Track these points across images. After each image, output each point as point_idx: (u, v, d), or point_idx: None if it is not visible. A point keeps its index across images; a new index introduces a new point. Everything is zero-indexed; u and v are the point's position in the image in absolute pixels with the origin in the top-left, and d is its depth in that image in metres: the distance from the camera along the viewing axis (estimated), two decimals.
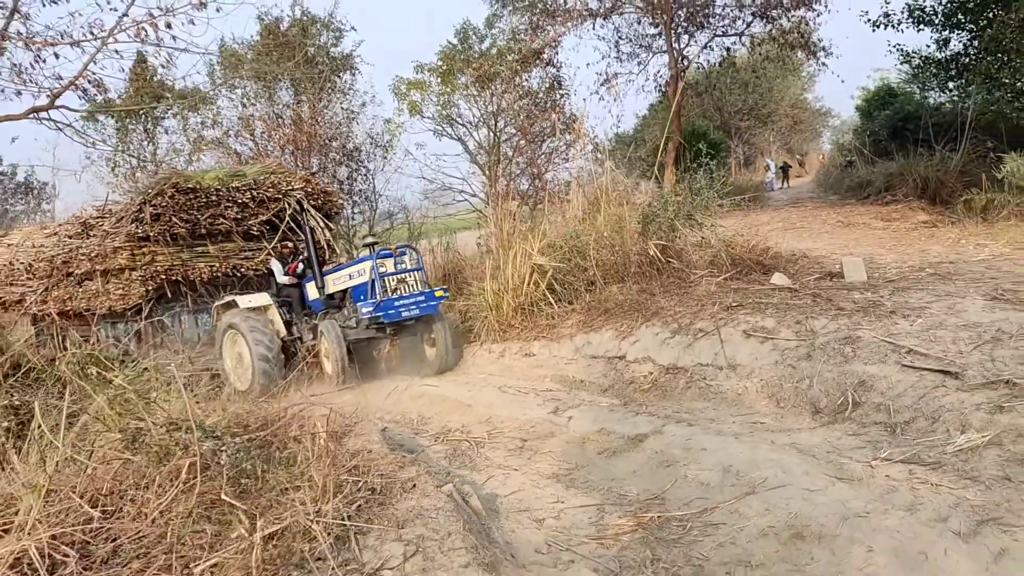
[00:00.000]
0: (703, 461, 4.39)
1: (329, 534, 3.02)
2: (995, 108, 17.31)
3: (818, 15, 18.35)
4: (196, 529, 3.16)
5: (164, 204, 9.68)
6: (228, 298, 9.35)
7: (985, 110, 17.73)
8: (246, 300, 9.21)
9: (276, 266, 9.75)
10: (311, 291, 9.46)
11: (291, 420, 4.56)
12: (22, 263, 11.31)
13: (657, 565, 3.21)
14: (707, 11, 19.17)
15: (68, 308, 10.64)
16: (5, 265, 11.69)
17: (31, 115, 8.36)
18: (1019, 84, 14.94)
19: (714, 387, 6.25)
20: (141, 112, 13.82)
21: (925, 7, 15.55)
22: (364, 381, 8.21)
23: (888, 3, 15.69)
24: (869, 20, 15.80)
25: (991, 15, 14.65)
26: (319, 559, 2.89)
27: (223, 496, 3.35)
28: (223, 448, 3.75)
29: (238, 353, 9.14)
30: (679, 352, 6.84)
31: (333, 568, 2.82)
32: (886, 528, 3.18)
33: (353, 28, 21.51)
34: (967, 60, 15.84)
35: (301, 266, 9.67)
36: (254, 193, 10.45)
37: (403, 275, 8.55)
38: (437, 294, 8.54)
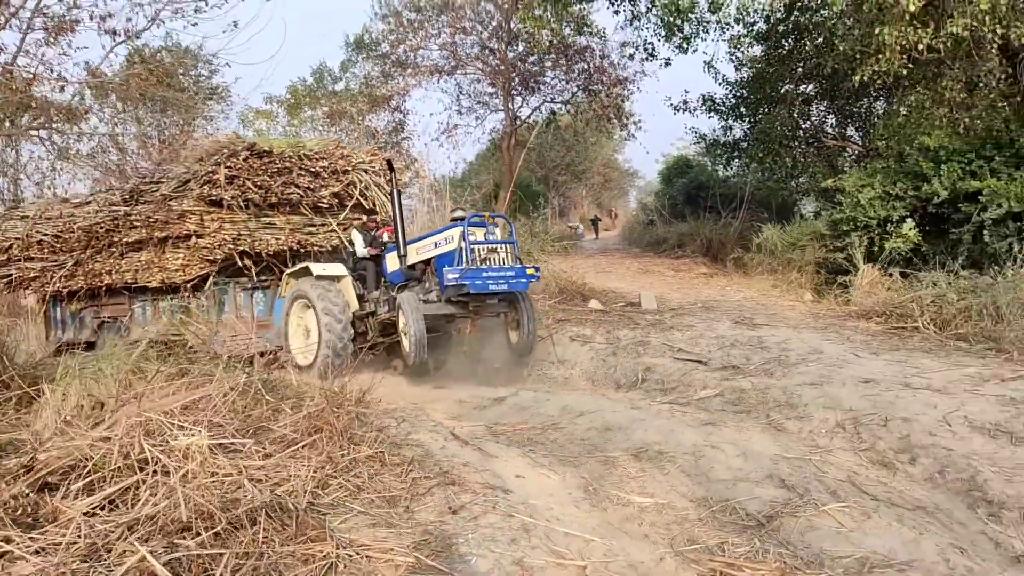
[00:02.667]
0: (547, 406, 7.01)
1: (348, 415, 5.35)
2: (768, 185, 21.68)
3: (631, 93, 22.11)
4: (258, 412, 5.37)
5: (239, 166, 9.36)
6: (300, 265, 9.28)
7: (760, 186, 22.07)
8: (320, 267, 9.08)
9: (357, 238, 9.59)
10: (391, 262, 9.18)
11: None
12: (45, 235, 10.88)
13: (531, 443, 5.78)
14: (539, 79, 22.44)
15: (103, 283, 10.31)
16: (19, 239, 11.17)
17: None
18: (781, 169, 19.21)
19: (549, 375, 8.96)
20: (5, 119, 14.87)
21: (716, 99, 19.58)
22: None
23: (687, 93, 19.58)
24: (672, 105, 19.61)
25: (764, 111, 18.82)
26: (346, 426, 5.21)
27: (267, 397, 5.56)
28: (252, 377, 5.94)
29: (305, 327, 9.09)
30: None
31: (356, 426, 5.17)
32: (655, 425, 5.93)
33: (228, 64, 22.80)
34: (745, 145, 19.98)
35: (386, 235, 9.58)
36: (327, 163, 10.27)
37: (494, 246, 8.24)
38: (528, 271, 8.20)
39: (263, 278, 10.09)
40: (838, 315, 10.29)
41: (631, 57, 19.86)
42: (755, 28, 17.32)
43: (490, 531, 3.67)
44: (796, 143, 19.13)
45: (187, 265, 9.38)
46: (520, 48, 21.99)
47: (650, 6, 16.06)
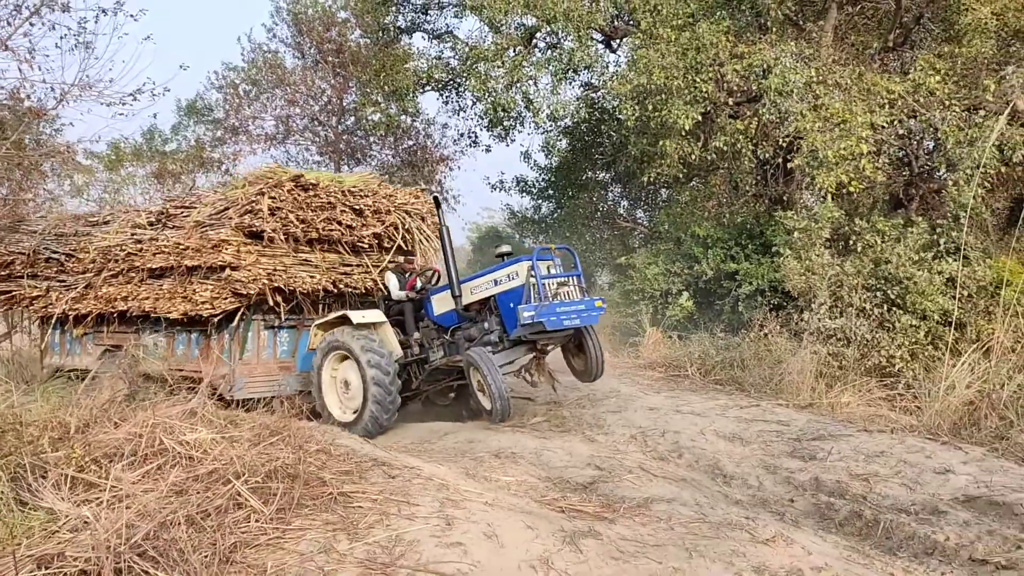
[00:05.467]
0: (415, 430, 9.14)
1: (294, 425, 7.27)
2: None
3: (452, 170, 24.82)
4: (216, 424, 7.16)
5: (283, 198, 9.04)
6: (334, 315, 9.15)
7: None
8: (359, 315, 8.86)
9: (392, 280, 9.57)
10: (438, 304, 9.12)
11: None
12: (56, 253, 10.62)
13: (415, 451, 7.90)
14: (366, 152, 24.70)
15: (116, 309, 9.94)
16: (23, 254, 10.89)
17: None
18: (582, 244, 22.42)
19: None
20: None
21: (528, 181, 22.64)
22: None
23: (503, 174, 22.57)
24: (490, 184, 22.47)
25: (569, 195, 22.05)
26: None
27: (211, 418, 7.36)
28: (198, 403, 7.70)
29: (343, 380, 8.95)
30: None
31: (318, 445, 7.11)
32: (504, 438, 8.22)
33: (71, 124, 22.90)
34: (552, 222, 23.13)
35: (419, 281, 9.59)
36: (370, 201, 9.93)
37: (563, 279, 8.14)
38: (597, 303, 8.12)
39: (290, 317, 9.75)
40: (631, 366, 13.14)
41: (456, 142, 22.48)
42: (562, 124, 20.58)
43: (422, 486, 5.82)
44: (594, 223, 22.48)
45: (216, 298, 8.93)
46: (350, 121, 24.19)
47: (475, 100, 18.86)
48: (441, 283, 9.63)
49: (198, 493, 5.03)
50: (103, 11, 10.47)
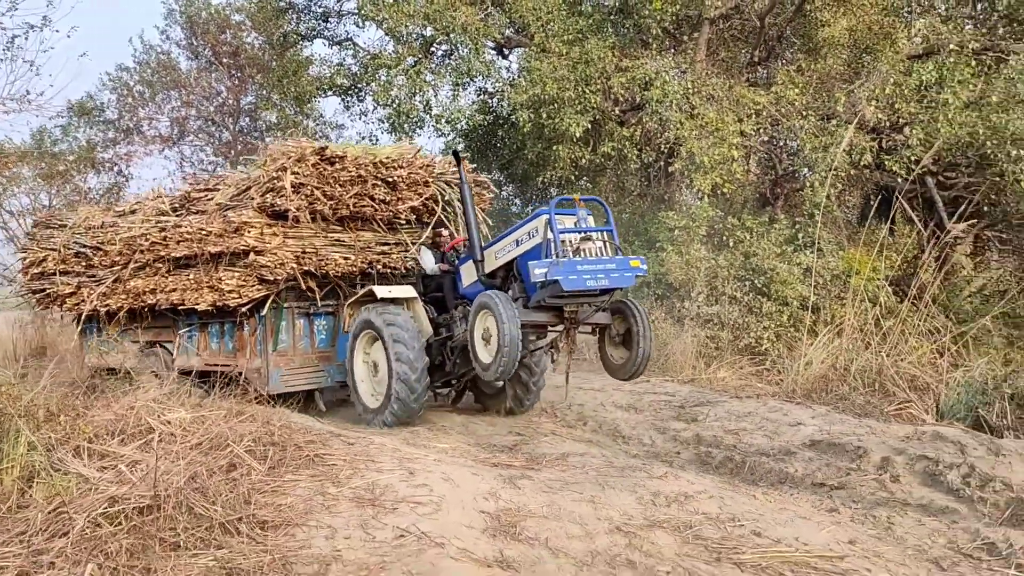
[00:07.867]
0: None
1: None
2: None
3: None
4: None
5: (307, 173, 8.42)
6: (362, 291, 8.70)
7: None
8: (385, 290, 8.41)
9: (426, 256, 9.12)
10: (466, 276, 8.47)
11: None
12: (85, 247, 10.34)
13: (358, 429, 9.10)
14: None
15: (146, 303, 9.64)
16: (54, 251, 10.67)
17: None
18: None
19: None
20: None
21: None
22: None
23: None
24: None
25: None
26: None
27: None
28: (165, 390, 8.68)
29: (373, 362, 8.58)
30: None
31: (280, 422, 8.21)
32: (434, 415, 9.52)
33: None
34: None
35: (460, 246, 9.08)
36: (405, 172, 9.24)
37: (588, 234, 7.26)
38: (632, 263, 7.12)
39: (326, 303, 9.32)
40: None
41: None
42: (460, 127, 21.92)
43: (379, 450, 7.06)
44: (491, 221, 23.85)
45: (242, 286, 8.56)
46: (245, 122, 24.84)
47: (376, 105, 19.97)
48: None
49: (200, 457, 6.16)
50: (31, 27, 11.13)
